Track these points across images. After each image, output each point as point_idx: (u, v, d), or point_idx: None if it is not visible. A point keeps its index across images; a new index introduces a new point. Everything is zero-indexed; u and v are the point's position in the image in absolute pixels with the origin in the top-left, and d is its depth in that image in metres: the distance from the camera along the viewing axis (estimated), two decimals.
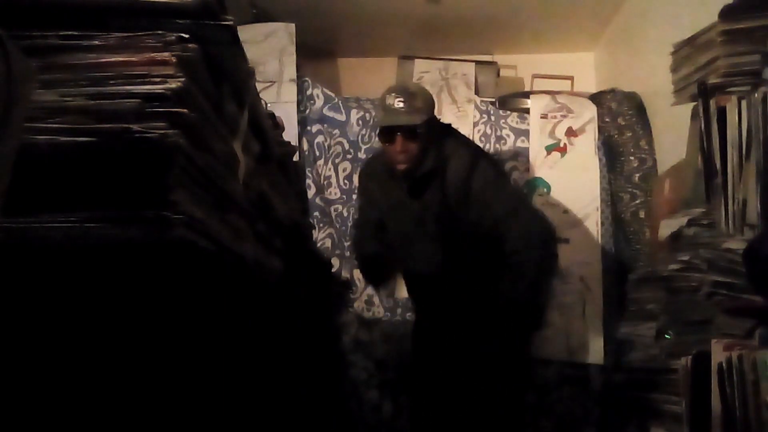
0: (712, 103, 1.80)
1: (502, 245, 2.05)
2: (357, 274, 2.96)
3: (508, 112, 3.26)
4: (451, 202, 2.10)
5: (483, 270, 2.13)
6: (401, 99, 2.03)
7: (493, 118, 3.24)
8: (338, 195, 3.15)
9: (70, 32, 0.93)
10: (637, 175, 2.96)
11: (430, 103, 2.13)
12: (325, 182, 3.15)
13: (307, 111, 3.18)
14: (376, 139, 3.16)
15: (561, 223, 2.92)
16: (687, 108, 2.04)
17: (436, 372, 2.27)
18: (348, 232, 3.08)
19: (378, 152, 2.37)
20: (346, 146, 3.20)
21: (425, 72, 3.55)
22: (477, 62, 3.61)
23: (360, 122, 3.22)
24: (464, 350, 2.17)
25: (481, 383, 2.18)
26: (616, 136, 3.06)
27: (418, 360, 2.38)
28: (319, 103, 3.20)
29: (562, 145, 3.08)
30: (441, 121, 2.31)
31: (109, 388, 0.91)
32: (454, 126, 2.40)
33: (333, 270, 2.93)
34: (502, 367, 2.20)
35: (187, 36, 0.96)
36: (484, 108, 3.29)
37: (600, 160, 3.03)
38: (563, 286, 2.86)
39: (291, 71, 3.13)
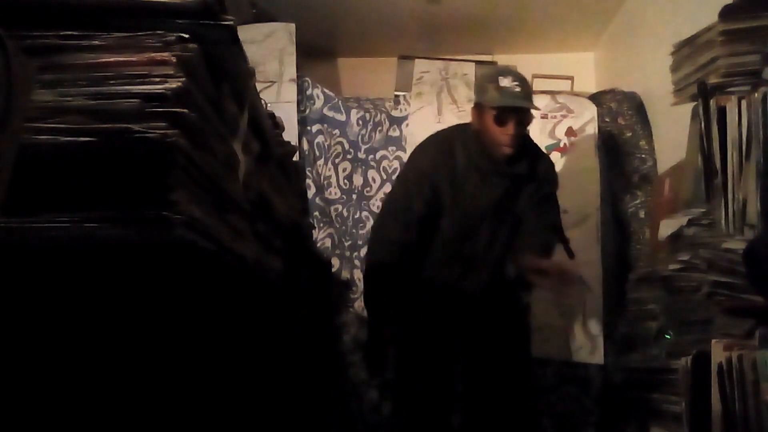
0: (712, 103, 1.80)
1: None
2: (357, 274, 2.96)
3: None
4: (534, 196, 2.11)
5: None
6: (517, 83, 1.95)
7: None
8: (338, 195, 3.15)
9: (70, 32, 0.93)
10: (637, 175, 2.95)
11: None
12: (325, 182, 3.15)
13: (307, 111, 3.18)
14: (377, 138, 3.19)
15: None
16: (687, 108, 2.04)
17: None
18: (347, 232, 3.08)
19: (450, 130, 2.20)
20: (346, 146, 3.20)
21: (425, 72, 3.54)
22: (477, 62, 3.60)
23: (360, 122, 3.22)
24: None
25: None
26: (616, 136, 3.06)
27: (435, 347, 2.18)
28: (319, 103, 3.20)
29: (562, 145, 3.07)
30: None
31: (109, 387, 0.91)
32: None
33: (333, 270, 2.93)
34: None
35: (187, 36, 0.96)
36: None
37: (600, 160, 3.02)
38: None
39: (291, 71, 3.13)
